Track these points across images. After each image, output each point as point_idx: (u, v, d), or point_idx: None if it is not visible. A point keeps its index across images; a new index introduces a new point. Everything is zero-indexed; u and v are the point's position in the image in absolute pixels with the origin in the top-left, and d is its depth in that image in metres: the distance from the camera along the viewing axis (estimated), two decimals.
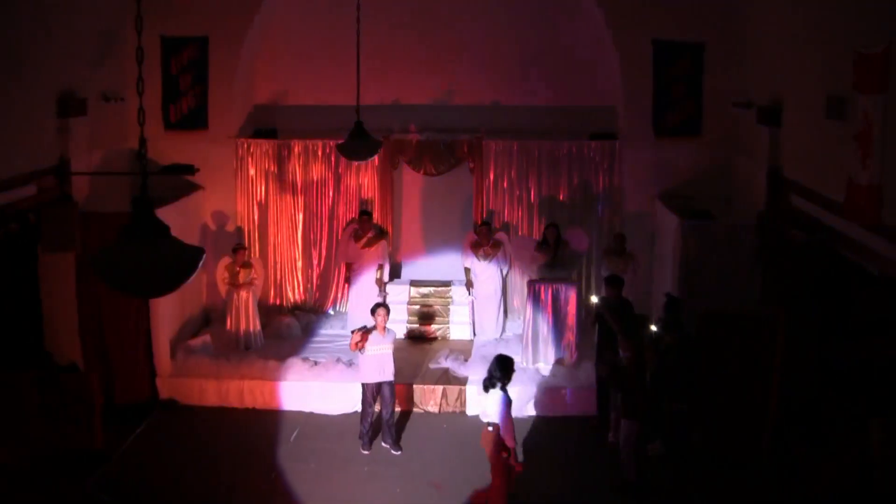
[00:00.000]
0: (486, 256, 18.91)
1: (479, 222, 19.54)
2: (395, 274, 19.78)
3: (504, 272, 19.29)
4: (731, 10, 18.24)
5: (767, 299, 15.36)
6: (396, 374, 15.50)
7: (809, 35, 14.15)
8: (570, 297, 17.55)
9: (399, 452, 15.29)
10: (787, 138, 15.31)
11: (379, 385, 15.29)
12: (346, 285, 19.49)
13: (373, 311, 15.24)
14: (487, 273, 19.04)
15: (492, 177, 19.84)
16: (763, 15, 16.90)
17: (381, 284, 19.23)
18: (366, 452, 15.29)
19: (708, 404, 14.41)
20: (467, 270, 19.19)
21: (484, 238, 18.94)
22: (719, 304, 15.45)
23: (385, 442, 15.44)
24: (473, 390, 16.67)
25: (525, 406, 16.56)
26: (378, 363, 15.18)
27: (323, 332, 19.50)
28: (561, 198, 19.81)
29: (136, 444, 15.55)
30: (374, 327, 15.12)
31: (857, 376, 12.99)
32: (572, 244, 18.26)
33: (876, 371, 12.64)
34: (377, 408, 15.53)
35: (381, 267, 19.20)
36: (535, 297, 17.62)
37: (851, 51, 11.70)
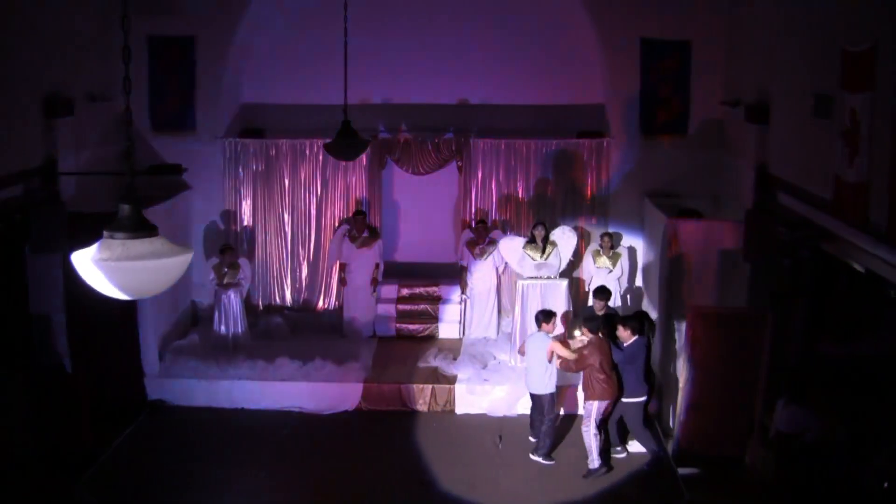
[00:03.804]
0: (482, 254, 18.90)
1: (468, 221, 19.57)
2: (385, 273, 19.74)
3: (500, 270, 19.29)
4: (718, 8, 18.27)
5: (755, 297, 15.38)
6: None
7: (797, 33, 14.16)
8: (559, 295, 17.55)
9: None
10: (774, 136, 15.32)
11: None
12: (342, 286, 19.44)
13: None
14: (483, 271, 19.06)
15: (480, 175, 19.84)
16: (750, 13, 16.92)
17: (375, 284, 19.24)
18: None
19: (695, 402, 14.44)
20: (463, 269, 19.20)
21: (480, 236, 18.94)
22: (707, 302, 15.48)
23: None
24: (462, 389, 16.70)
25: (515, 405, 16.56)
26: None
27: (311, 331, 19.46)
28: (549, 196, 19.81)
29: (125, 445, 15.52)
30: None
31: (844, 373, 13.02)
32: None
33: (863, 368, 12.68)
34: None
35: (376, 266, 19.22)
36: (523, 295, 17.62)
37: (839, 49, 11.72)
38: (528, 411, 15.98)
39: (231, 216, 19.86)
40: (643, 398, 14.80)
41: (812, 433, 12.68)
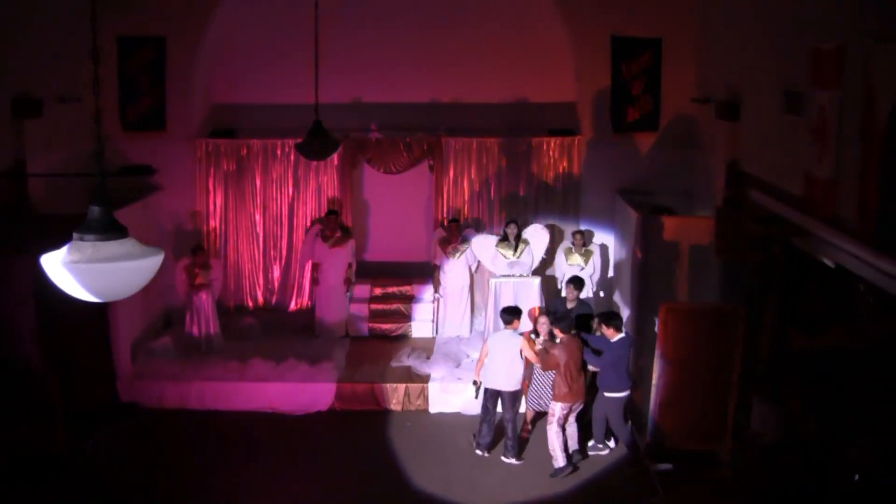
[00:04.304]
0: (455, 253, 18.90)
1: (441, 219, 19.58)
2: (357, 272, 19.73)
3: (473, 269, 19.29)
4: (688, 5, 18.33)
5: (727, 293, 15.44)
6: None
7: (767, 30, 14.22)
8: (532, 293, 17.58)
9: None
10: (745, 133, 15.37)
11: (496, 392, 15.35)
12: (314, 286, 19.41)
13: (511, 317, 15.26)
14: (456, 270, 19.06)
15: (452, 174, 19.86)
16: (720, 10, 16.98)
17: (348, 284, 19.22)
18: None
19: (667, 398, 14.48)
20: (436, 268, 19.21)
21: (453, 235, 18.95)
22: (679, 298, 15.53)
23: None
24: (436, 388, 16.72)
25: None
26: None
27: (284, 331, 19.41)
28: (521, 194, 19.84)
29: (97, 448, 15.46)
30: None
31: (816, 367, 13.08)
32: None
33: (835, 362, 12.73)
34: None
35: (349, 266, 19.20)
36: (496, 294, 17.65)
37: (808, 46, 11.78)
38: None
39: (202, 216, 19.81)
40: (626, 393, 14.82)
41: (782, 428, 12.75)
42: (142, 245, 6.23)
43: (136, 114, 19.09)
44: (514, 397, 15.08)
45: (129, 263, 6.05)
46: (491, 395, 15.21)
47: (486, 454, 15.14)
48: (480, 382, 15.23)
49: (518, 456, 15.07)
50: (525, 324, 16.03)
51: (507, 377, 14.95)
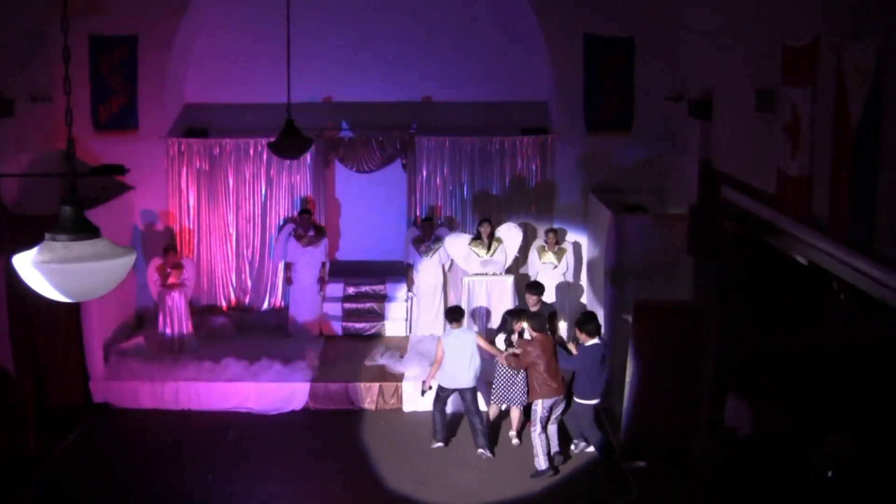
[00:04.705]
0: (428, 252, 18.88)
1: (414, 218, 19.57)
2: (330, 271, 19.69)
3: (446, 267, 19.27)
4: (661, 3, 18.35)
5: (700, 291, 15.47)
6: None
7: (739, 28, 14.24)
8: (505, 291, 17.59)
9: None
10: (718, 131, 15.40)
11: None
12: (288, 285, 19.37)
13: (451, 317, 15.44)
14: (429, 269, 19.03)
15: (425, 173, 19.84)
16: (693, 8, 17.00)
17: (322, 283, 19.17)
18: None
19: (641, 396, 14.51)
20: (409, 267, 19.17)
21: (426, 233, 18.92)
22: (652, 296, 15.54)
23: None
24: (410, 387, 16.69)
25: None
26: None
27: (257, 331, 19.39)
28: (494, 193, 19.84)
29: (71, 449, 15.38)
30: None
31: (790, 365, 13.13)
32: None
33: (808, 359, 12.78)
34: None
35: (323, 265, 19.18)
36: (469, 292, 17.65)
37: (780, 44, 11.81)
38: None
39: (175, 216, 19.72)
40: (595, 401, 14.81)
41: (756, 425, 12.78)
42: (113, 245, 6.19)
43: (108, 113, 19.02)
44: (475, 392, 15.22)
45: (100, 264, 6.00)
46: (447, 395, 15.31)
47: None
48: (430, 387, 15.42)
49: (488, 448, 15.13)
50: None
51: (468, 374, 15.04)
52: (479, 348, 15.10)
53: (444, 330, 15.64)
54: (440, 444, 15.36)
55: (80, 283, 6.05)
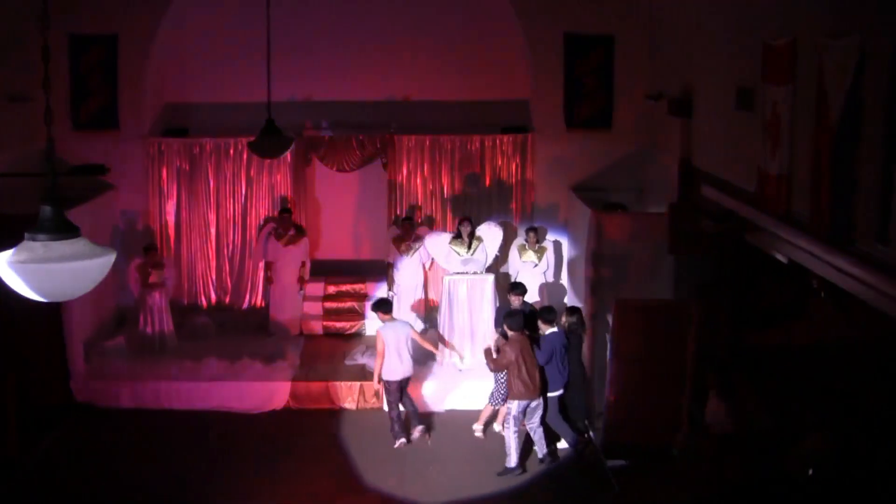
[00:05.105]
0: (409, 251, 18.86)
1: (395, 217, 19.56)
2: (311, 270, 19.68)
3: (427, 266, 19.28)
4: (640, 2, 18.39)
5: (680, 289, 15.50)
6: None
7: (719, 26, 14.28)
8: (486, 290, 17.59)
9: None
10: (697, 129, 15.43)
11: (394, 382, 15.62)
12: (268, 284, 19.34)
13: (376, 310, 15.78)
14: (410, 268, 19.00)
15: (405, 172, 19.83)
16: (672, 6, 17.04)
17: (302, 282, 19.15)
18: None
19: (622, 394, 14.54)
20: (389, 266, 19.14)
21: (406, 233, 18.91)
22: (632, 294, 15.57)
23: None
24: None
25: (443, 400, 16.59)
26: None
27: (238, 330, 19.34)
28: (475, 191, 19.83)
29: (51, 449, 15.35)
30: None
31: (770, 362, 13.16)
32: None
33: (788, 357, 12.82)
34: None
35: (303, 264, 19.15)
36: (450, 291, 17.65)
37: (760, 42, 11.84)
38: (456, 406, 16.25)
39: (155, 216, 19.68)
40: (558, 392, 14.91)
41: (736, 423, 12.81)
42: (93, 245, 6.18)
43: (88, 113, 18.99)
44: (398, 386, 15.50)
45: (80, 263, 6.00)
46: (396, 388, 15.46)
47: (406, 441, 15.54)
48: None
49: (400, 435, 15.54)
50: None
51: (403, 366, 15.37)
52: (414, 342, 15.55)
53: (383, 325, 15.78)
54: (403, 442, 15.51)
55: (60, 283, 6.05)
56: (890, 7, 8.77)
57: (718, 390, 13.18)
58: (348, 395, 16.79)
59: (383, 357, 15.17)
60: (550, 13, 18.82)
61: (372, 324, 19.19)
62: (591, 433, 15.51)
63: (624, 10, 18.66)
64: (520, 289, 16.11)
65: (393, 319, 15.58)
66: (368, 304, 19.28)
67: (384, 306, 15.62)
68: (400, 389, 15.44)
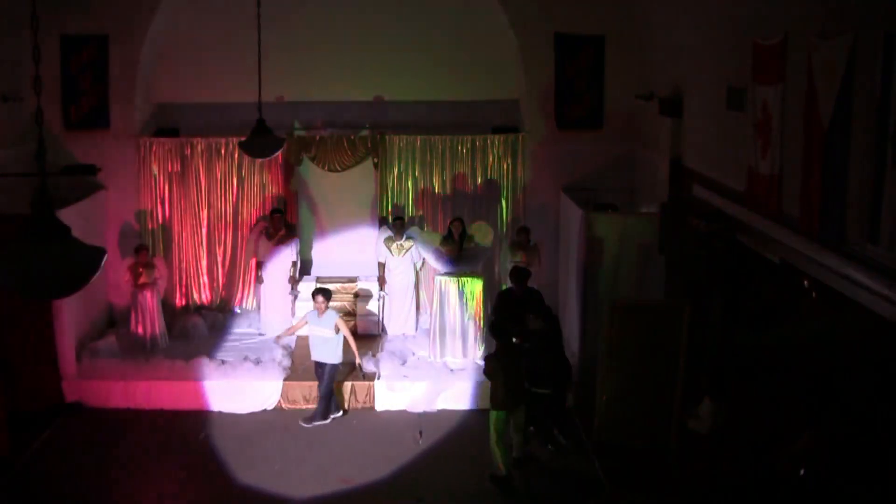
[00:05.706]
0: (400, 251, 18.85)
1: (386, 217, 19.54)
2: (302, 270, 19.67)
3: (418, 266, 19.27)
4: (630, 2, 18.40)
5: (672, 289, 15.51)
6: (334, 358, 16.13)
7: (709, 26, 14.30)
8: (476, 290, 17.60)
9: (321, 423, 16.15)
10: (688, 129, 15.46)
11: (319, 364, 16.09)
12: (258, 284, 19.30)
13: (313, 296, 16.09)
14: (401, 268, 19.01)
15: (396, 172, 19.82)
16: (663, 6, 17.04)
17: (293, 282, 19.13)
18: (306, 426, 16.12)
19: (613, 395, 14.54)
20: (380, 266, 19.13)
21: (397, 233, 18.90)
22: (624, 295, 15.58)
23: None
24: (382, 386, 16.68)
25: (435, 400, 16.59)
26: (315, 343, 16.04)
27: (230, 330, 19.33)
28: (466, 191, 19.84)
29: (43, 449, 15.30)
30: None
31: (760, 364, 13.17)
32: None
33: (779, 357, 12.82)
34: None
35: (294, 264, 19.13)
36: (441, 291, 17.65)
37: (750, 42, 11.85)
38: (447, 406, 16.30)
39: (146, 216, 19.65)
40: (546, 390, 14.99)
41: (727, 423, 12.83)
42: (84, 244, 6.16)
43: (79, 113, 18.94)
44: (334, 369, 16.14)
45: (70, 263, 5.98)
46: (317, 367, 16.20)
47: (312, 424, 16.11)
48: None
49: (314, 419, 16.19)
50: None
51: (325, 351, 15.95)
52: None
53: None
54: (323, 422, 16.17)
55: (50, 282, 6.02)
56: (880, 6, 8.79)
57: (710, 390, 13.20)
58: (340, 395, 16.78)
59: (294, 330, 16.67)
60: (541, 13, 18.82)
61: (363, 324, 19.22)
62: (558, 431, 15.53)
63: (614, 10, 18.66)
64: (520, 274, 16.31)
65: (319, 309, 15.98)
66: (360, 305, 19.31)
67: (321, 295, 16.00)
68: (320, 370, 16.13)
